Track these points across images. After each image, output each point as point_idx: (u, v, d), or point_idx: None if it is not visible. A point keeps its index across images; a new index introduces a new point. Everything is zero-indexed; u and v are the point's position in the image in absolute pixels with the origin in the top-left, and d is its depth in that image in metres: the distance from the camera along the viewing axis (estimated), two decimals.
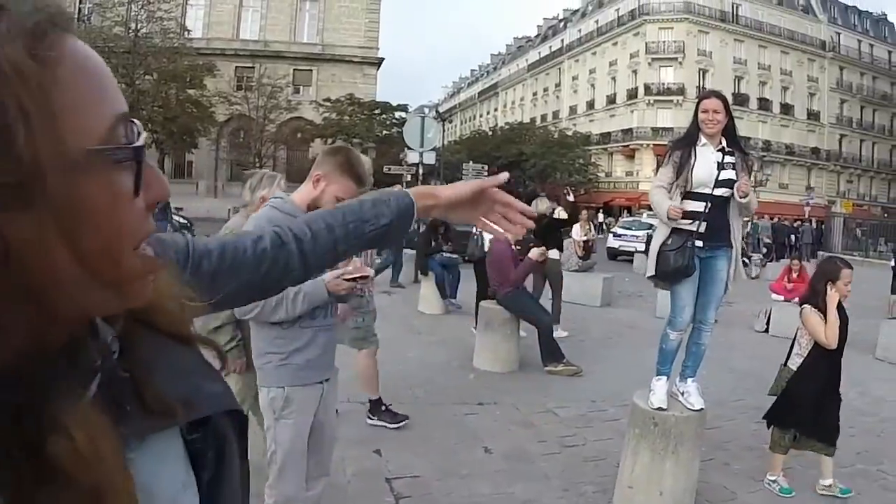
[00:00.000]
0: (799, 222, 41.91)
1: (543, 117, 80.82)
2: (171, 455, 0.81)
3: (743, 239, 5.43)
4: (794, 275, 13.88)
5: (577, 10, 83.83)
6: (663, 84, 66.16)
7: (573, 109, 77.32)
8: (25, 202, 0.59)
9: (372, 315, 6.41)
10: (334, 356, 3.58)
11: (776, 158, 64.98)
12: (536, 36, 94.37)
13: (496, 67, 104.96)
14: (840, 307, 5.34)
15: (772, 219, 38.83)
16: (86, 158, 0.64)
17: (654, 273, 5.18)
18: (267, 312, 3.18)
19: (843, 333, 5.33)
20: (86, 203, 0.64)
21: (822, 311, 5.29)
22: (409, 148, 18.95)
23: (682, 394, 5.19)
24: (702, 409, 5.12)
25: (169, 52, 40.29)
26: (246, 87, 47.37)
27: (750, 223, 22.48)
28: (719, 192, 4.99)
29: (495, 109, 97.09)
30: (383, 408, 6.53)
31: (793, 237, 37.07)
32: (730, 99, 5.36)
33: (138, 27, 39.88)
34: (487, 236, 10.02)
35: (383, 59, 52.56)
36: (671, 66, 66.17)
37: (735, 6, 67.85)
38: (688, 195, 5.03)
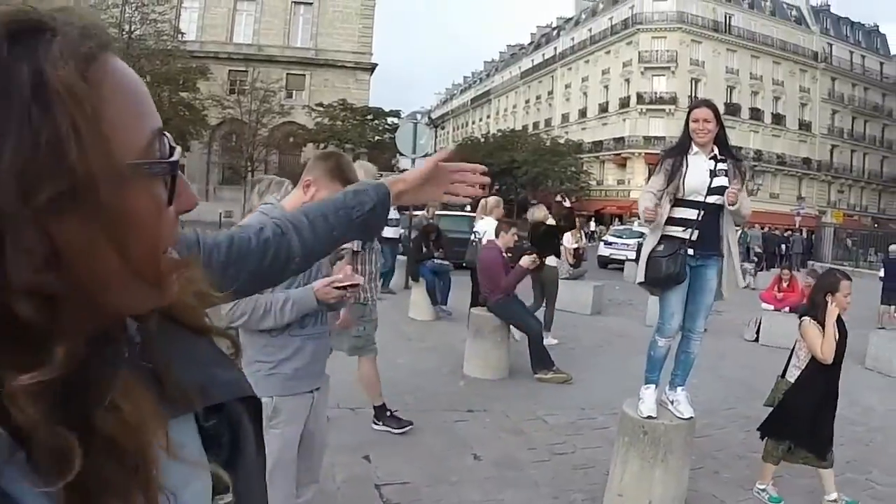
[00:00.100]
0: (789, 232, 42.01)
1: (536, 125, 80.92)
2: (186, 440, 0.83)
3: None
4: (785, 284, 13.95)
5: (570, 19, 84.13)
6: (656, 93, 66.33)
7: (565, 117, 77.48)
8: (76, 210, 0.64)
9: (373, 324, 6.44)
10: (325, 365, 3.54)
11: (767, 168, 65.19)
12: (529, 44, 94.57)
13: (489, 74, 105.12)
14: (839, 321, 5.33)
15: (762, 228, 38.90)
16: (129, 171, 0.70)
17: (643, 279, 5.19)
18: (255, 320, 3.15)
19: (842, 347, 5.31)
20: (129, 211, 0.70)
21: (822, 323, 5.26)
22: (402, 154, 18.91)
23: (672, 402, 5.20)
24: (691, 417, 5.13)
25: (162, 55, 40.25)
26: (239, 90, 47.26)
27: (741, 232, 22.56)
28: (712, 199, 5.00)
29: (488, 116, 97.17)
30: (388, 413, 6.53)
31: (783, 247, 37.16)
32: (722, 109, 5.39)
33: (132, 29, 39.81)
34: (486, 239, 9.99)
35: (376, 64, 52.56)
36: (664, 76, 66.37)
37: (728, 16, 68.17)
38: (680, 203, 5.04)
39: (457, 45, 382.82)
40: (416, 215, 16.78)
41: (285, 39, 50.88)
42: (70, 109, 0.64)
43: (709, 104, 5.21)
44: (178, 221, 0.81)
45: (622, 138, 67.38)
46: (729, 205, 4.96)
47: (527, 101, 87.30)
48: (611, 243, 29.56)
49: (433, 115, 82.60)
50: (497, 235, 9.27)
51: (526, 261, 8.79)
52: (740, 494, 5.64)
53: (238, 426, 0.95)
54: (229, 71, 48.58)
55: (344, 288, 3.27)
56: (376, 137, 48.35)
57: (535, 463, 6.02)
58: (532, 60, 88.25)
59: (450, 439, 6.47)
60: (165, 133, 0.77)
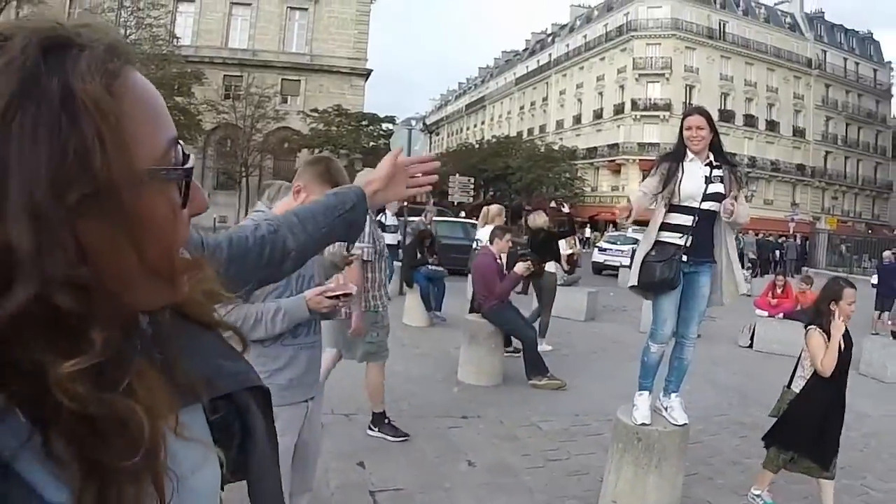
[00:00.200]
0: (783, 238, 42.17)
1: (530, 131, 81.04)
2: (194, 430, 0.86)
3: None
4: (779, 290, 13.98)
5: (565, 25, 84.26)
6: (650, 99, 66.45)
7: (560, 124, 77.54)
8: (100, 211, 0.70)
9: (385, 330, 6.47)
10: (319, 373, 3.52)
11: (761, 174, 65.43)
12: (524, 50, 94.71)
13: (484, 80, 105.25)
14: (845, 331, 5.33)
15: (756, 234, 39.02)
16: (148, 176, 0.76)
17: (635, 283, 5.19)
18: (245, 330, 3.10)
19: (847, 357, 5.29)
20: (147, 213, 0.76)
21: (828, 332, 5.23)
22: None
23: (666, 409, 5.21)
24: (685, 424, 5.13)
25: (157, 60, 40.13)
26: (234, 95, 47.10)
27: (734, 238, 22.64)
28: (706, 205, 5.02)
29: (482, 122, 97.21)
30: (386, 421, 6.53)
31: (777, 253, 37.28)
32: (716, 115, 5.42)
33: (127, 33, 39.66)
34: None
35: (371, 70, 52.52)
36: (658, 82, 66.51)
37: (722, 23, 68.37)
38: (675, 208, 5.05)
39: (452, 51, 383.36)
40: (413, 221, 16.78)
41: (280, 45, 50.82)
42: (95, 120, 0.70)
43: (701, 111, 5.24)
44: (190, 224, 0.89)
45: (616, 145, 67.47)
46: (725, 217, 4.98)
47: (521, 108, 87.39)
48: (605, 249, 29.60)
49: (428, 121, 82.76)
50: (492, 242, 9.28)
51: (520, 267, 8.80)
52: (734, 500, 5.64)
53: (247, 415, 1.01)
54: (224, 76, 48.49)
55: (336, 297, 3.23)
56: (371, 143, 48.24)
57: (529, 469, 6.01)
58: (527, 67, 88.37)
59: (444, 445, 6.46)
60: (180, 141, 0.83)
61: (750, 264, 30.45)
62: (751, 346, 12.99)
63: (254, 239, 1.65)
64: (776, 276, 14.46)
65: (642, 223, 5.55)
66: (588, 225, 57.81)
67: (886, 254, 21.84)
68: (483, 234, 10.80)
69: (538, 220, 11.34)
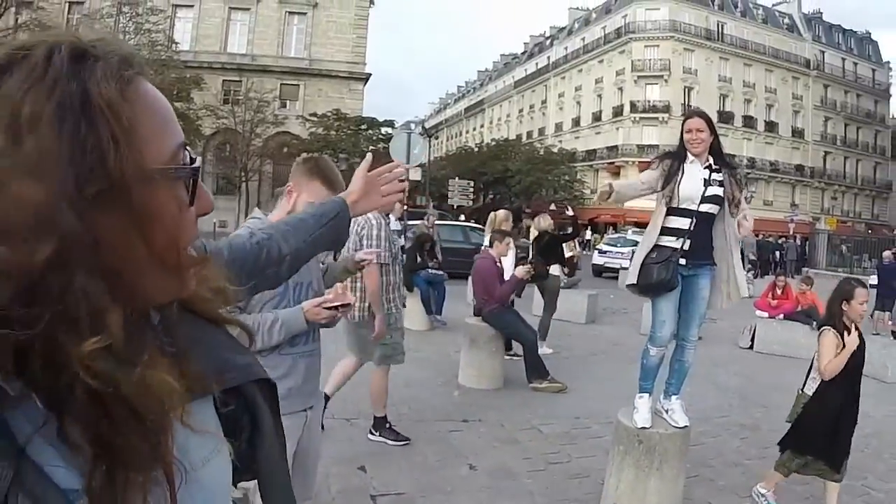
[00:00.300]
0: (783, 239, 42.18)
1: (529, 134, 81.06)
2: (203, 421, 0.92)
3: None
4: (779, 291, 13.97)
5: (563, 28, 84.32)
6: (649, 101, 66.48)
7: (559, 126, 77.54)
8: (114, 206, 0.76)
9: (400, 332, 6.55)
10: (318, 382, 3.49)
11: (761, 175, 65.45)
12: (523, 53, 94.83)
13: (483, 84, 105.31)
14: (857, 331, 5.29)
15: (756, 235, 38.96)
16: (158, 174, 0.82)
17: (634, 282, 5.19)
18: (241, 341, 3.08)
19: (860, 358, 5.28)
20: (157, 208, 0.82)
21: (841, 333, 5.22)
22: None
23: (667, 411, 5.21)
24: (686, 426, 5.13)
25: (156, 65, 40.09)
26: (233, 100, 47.14)
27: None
28: (705, 207, 5.03)
29: (481, 126, 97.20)
30: (388, 425, 6.54)
31: (777, 254, 37.27)
32: (715, 117, 5.45)
33: (126, 39, 39.77)
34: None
35: (370, 74, 52.56)
36: (657, 84, 66.56)
37: (720, 25, 68.44)
38: (672, 211, 5.06)
39: (450, 54, 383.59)
40: (415, 224, 16.80)
41: (279, 49, 50.87)
42: (110, 122, 0.76)
43: (701, 114, 5.26)
44: (197, 222, 0.93)
45: (615, 147, 67.46)
46: (743, 234, 5.04)
47: (520, 111, 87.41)
48: (605, 252, 29.54)
49: (427, 125, 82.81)
50: (491, 245, 9.28)
51: (521, 271, 8.80)
52: (736, 502, 5.64)
53: (255, 407, 1.07)
54: (223, 81, 48.52)
55: (335, 308, 3.18)
56: (370, 147, 48.27)
57: (530, 472, 6.01)
58: (525, 70, 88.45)
59: (445, 449, 6.46)
60: (188, 146, 0.90)
61: (750, 265, 30.42)
62: (751, 347, 12.99)
63: (251, 244, 1.84)
64: (777, 277, 14.44)
65: (642, 225, 5.57)
66: (588, 227, 57.83)
67: (886, 254, 21.81)
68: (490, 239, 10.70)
69: (543, 223, 11.37)
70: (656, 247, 5.09)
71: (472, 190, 39.89)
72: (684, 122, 5.25)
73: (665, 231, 5.08)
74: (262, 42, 50.34)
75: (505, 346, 9.25)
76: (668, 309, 5.12)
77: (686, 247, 5.02)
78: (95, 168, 0.75)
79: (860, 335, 5.28)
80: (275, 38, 50.77)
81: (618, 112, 68.46)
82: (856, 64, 76.42)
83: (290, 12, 51.27)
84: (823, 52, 73.60)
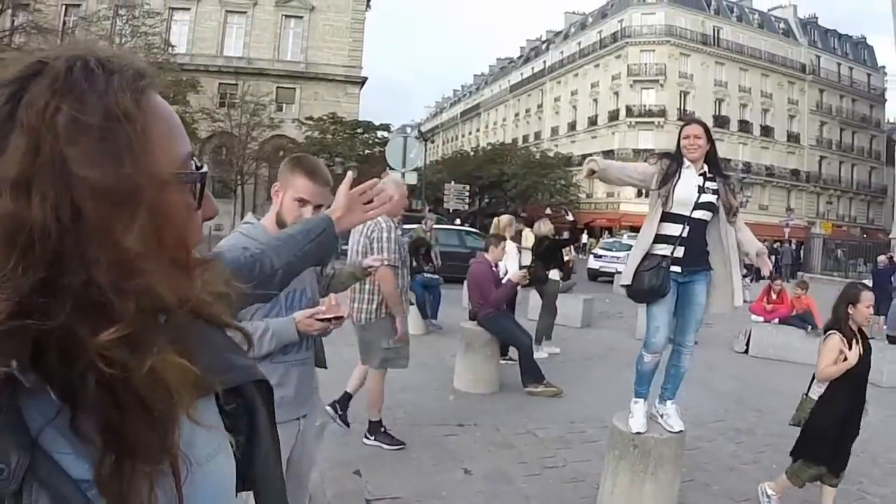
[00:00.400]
0: (779, 243, 42.23)
1: (525, 138, 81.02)
2: (209, 418, 0.97)
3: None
4: (774, 296, 13.97)
5: (559, 32, 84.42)
6: (644, 106, 66.60)
7: (555, 130, 77.54)
8: (131, 205, 0.82)
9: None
10: (312, 389, 3.44)
11: (756, 180, 65.45)
12: (519, 57, 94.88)
13: (479, 88, 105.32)
14: (864, 337, 5.31)
15: None
16: (170, 178, 0.89)
17: (629, 283, 5.20)
18: None
19: (867, 364, 5.29)
20: (169, 209, 0.87)
21: (847, 337, 5.22)
22: (391, 167, 18.95)
23: (662, 416, 5.21)
24: (681, 430, 5.14)
25: (153, 68, 40.13)
26: (229, 104, 47.11)
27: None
28: (698, 214, 5.05)
29: (477, 130, 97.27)
30: (382, 429, 6.53)
31: (773, 258, 37.29)
32: (710, 121, 5.50)
33: (122, 42, 39.63)
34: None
35: (366, 78, 52.54)
36: (653, 89, 66.67)
37: (716, 29, 68.60)
38: (665, 217, 5.07)
39: (447, 58, 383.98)
40: (413, 228, 16.81)
41: (275, 53, 50.86)
42: (126, 129, 0.82)
43: (700, 122, 5.35)
44: (203, 226, 1.01)
45: (611, 151, 67.23)
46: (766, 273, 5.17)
47: (516, 115, 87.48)
48: (600, 256, 29.60)
49: (423, 129, 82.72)
50: (487, 249, 9.29)
51: (517, 276, 8.82)
52: None
53: (254, 409, 1.11)
54: (219, 84, 48.47)
55: (328, 320, 3.13)
56: (366, 151, 48.23)
57: (525, 477, 6.01)
58: (521, 74, 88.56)
59: (440, 453, 6.45)
60: (194, 156, 0.97)
61: (745, 269, 30.45)
62: (746, 351, 13.01)
63: (244, 257, 1.98)
64: (773, 282, 14.44)
65: (638, 230, 5.58)
66: (584, 231, 57.89)
67: (881, 258, 21.88)
68: None
69: (543, 228, 11.39)
70: (648, 255, 5.11)
71: (467, 194, 39.91)
72: (682, 128, 5.29)
73: (657, 238, 5.10)
74: (259, 45, 50.32)
75: (500, 350, 9.24)
76: (662, 315, 5.13)
77: (680, 254, 5.04)
78: (113, 170, 0.80)
79: (865, 344, 5.28)
80: (271, 41, 50.76)
81: (614, 116, 68.54)
82: (851, 69, 76.63)
83: (287, 16, 51.28)
84: (819, 57, 73.79)
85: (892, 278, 19.64)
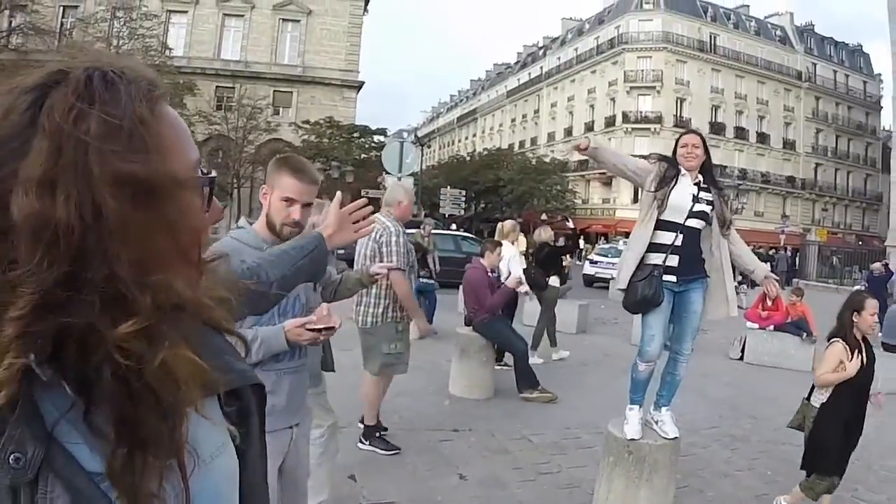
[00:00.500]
0: (774, 250, 42.28)
1: (522, 143, 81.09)
2: (213, 419, 1.01)
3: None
4: (769, 302, 13.98)
5: (556, 38, 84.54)
6: (641, 112, 66.63)
7: (551, 136, 77.49)
8: (149, 205, 0.86)
9: (405, 343, 6.54)
10: (305, 398, 3.39)
11: (752, 187, 65.57)
12: (516, 63, 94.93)
13: (476, 93, 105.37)
14: (867, 345, 5.32)
15: (747, 246, 39.05)
16: (184, 181, 0.93)
17: (624, 287, 5.20)
18: None
19: (870, 372, 5.29)
20: (184, 210, 0.92)
21: (850, 345, 5.22)
22: (388, 172, 18.97)
23: (657, 422, 5.22)
24: (676, 437, 5.14)
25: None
26: (226, 107, 47.02)
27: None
28: (691, 222, 5.07)
29: (474, 135, 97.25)
30: (377, 434, 6.53)
31: (768, 265, 37.30)
32: (707, 128, 5.56)
33: (120, 44, 39.57)
34: (503, 264, 9.98)
35: (363, 82, 52.45)
36: (649, 95, 66.75)
37: (713, 36, 68.73)
38: (658, 225, 5.09)
39: (444, 63, 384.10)
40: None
41: (272, 56, 50.77)
42: (143, 134, 0.87)
43: (698, 133, 5.43)
44: (210, 230, 1.06)
45: None
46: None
47: (513, 120, 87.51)
48: (596, 262, 29.53)
49: (419, 133, 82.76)
50: (482, 255, 9.29)
51: (512, 282, 8.82)
52: None
53: (249, 413, 1.13)
54: (216, 87, 48.35)
55: (318, 331, 3.03)
56: (363, 155, 48.19)
57: (520, 482, 6.01)
58: (518, 79, 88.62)
59: (435, 459, 6.46)
60: (200, 163, 1.02)
61: (741, 276, 30.48)
62: (741, 358, 13.02)
63: (242, 270, 2.10)
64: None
65: None
66: (580, 237, 57.91)
67: (876, 265, 21.92)
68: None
69: (543, 234, 11.40)
70: (641, 264, 5.12)
71: (463, 199, 39.92)
72: (680, 137, 5.35)
73: (649, 247, 5.11)
74: (256, 49, 50.24)
75: (496, 355, 9.25)
76: (656, 324, 5.14)
77: (674, 262, 5.06)
78: (133, 172, 0.84)
79: (869, 353, 5.28)
80: (268, 44, 50.68)
81: (610, 122, 68.57)
82: (847, 76, 76.85)
83: (284, 19, 51.19)
84: (815, 64, 73.97)
85: (888, 285, 19.69)
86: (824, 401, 5.28)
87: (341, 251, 6.40)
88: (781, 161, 70.94)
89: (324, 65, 50.76)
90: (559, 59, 79.54)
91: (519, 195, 58.80)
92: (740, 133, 68.71)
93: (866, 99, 77.86)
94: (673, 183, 5.09)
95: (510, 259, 10.29)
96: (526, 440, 7.19)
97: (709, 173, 5.29)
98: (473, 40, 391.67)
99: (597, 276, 28.18)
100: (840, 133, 74.98)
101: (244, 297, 1.74)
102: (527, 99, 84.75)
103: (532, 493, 5.78)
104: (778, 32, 73.73)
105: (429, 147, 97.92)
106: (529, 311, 12.50)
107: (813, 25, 77.04)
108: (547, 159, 66.12)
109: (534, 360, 9.77)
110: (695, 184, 5.15)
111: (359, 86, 52.39)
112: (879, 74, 78.02)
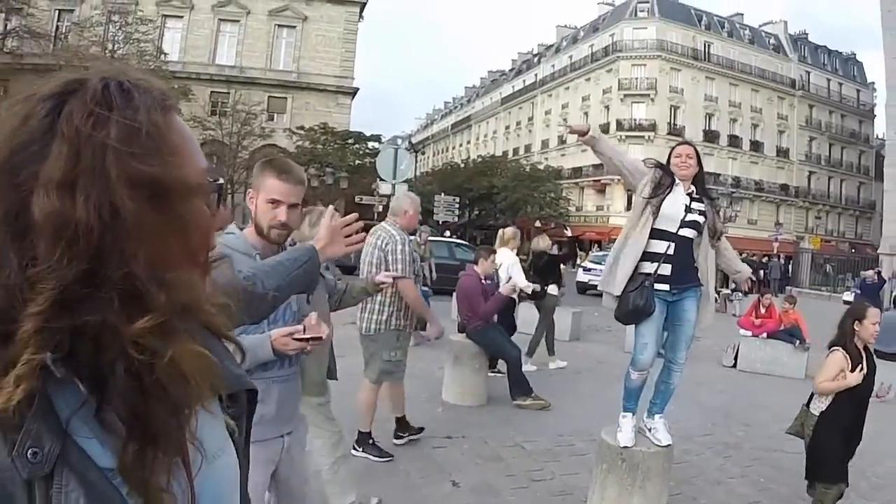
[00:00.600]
0: (767, 258, 42.37)
1: (516, 151, 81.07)
2: (217, 419, 1.06)
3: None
4: (763, 310, 14.00)
5: (551, 46, 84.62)
6: (635, 120, 66.73)
7: (545, 143, 77.50)
8: (163, 208, 0.90)
9: (404, 350, 6.56)
10: (297, 406, 3.34)
11: (745, 194, 65.65)
12: (511, 70, 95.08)
13: (470, 100, 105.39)
14: (868, 354, 5.33)
15: (740, 254, 39.09)
16: (195, 185, 0.97)
17: (618, 294, 5.20)
18: None
19: (871, 380, 5.29)
20: (192, 214, 0.96)
21: (851, 354, 5.22)
22: (382, 179, 18.96)
23: (650, 430, 5.23)
24: (669, 444, 5.15)
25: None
26: (220, 112, 46.91)
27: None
28: (684, 232, 5.09)
29: (468, 142, 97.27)
30: (371, 441, 6.52)
31: (761, 272, 37.43)
32: (700, 136, 5.60)
33: (115, 48, 39.58)
34: (503, 270, 9.99)
35: (358, 88, 52.45)
36: (643, 103, 66.84)
37: (707, 44, 68.90)
38: (651, 234, 5.10)
39: (438, 70, 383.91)
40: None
41: (267, 62, 50.72)
42: (157, 141, 0.91)
43: (692, 145, 5.49)
44: (215, 235, 1.09)
45: (602, 165, 67.24)
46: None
47: (507, 127, 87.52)
48: (589, 269, 29.55)
49: (414, 140, 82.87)
50: (476, 262, 9.29)
51: (506, 289, 8.83)
52: None
53: (241, 417, 1.17)
54: (211, 92, 48.25)
55: (305, 340, 2.95)
56: (357, 161, 48.16)
57: (513, 490, 6.01)
58: (513, 86, 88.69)
59: (428, 466, 6.45)
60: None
61: (734, 284, 30.53)
62: (734, 365, 13.05)
63: (238, 279, 2.18)
64: (762, 296, 14.47)
65: None
66: (577, 244, 57.92)
67: (868, 273, 21.98)
68: (498, 257, 10.11)
69: (542, 243, 11.41)
70: (633, 274, 5.13)
71: (457, 206, 39.88)
72: (674, 148, 5.40)
73: (644, 257, 5.13)
74: (251, 54, 50.19)
75: (489, 363, 9.25)
76: (649, 333, 5.15)
77: (667, 271, 5.07)
78: (148, 176, 0.88)
79: (870, 363, 5.28)
80: (263, 50, 50.65)
81: (604, 130, 68.22)
82: (841, 84, 77.11)
83: (280, 25, 51.19)
84: (809, 73, 74.23)
85: (880, 293, 19.76)
86: (824, 409, 5.29)
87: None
88: (775, 169, 71.10)
89: (319, 71, 50.75)
90: (553, 66, 79.65)
91: (513, 202, 58.76)
92: (734, 141, 68.88)
93: (860, 107, 78.11)
94: (668, 191, 5.12)
95: (510, 266, 10.30)
96: (519, 447, 7.19)
97: (701, 184, 5.33)
98: (468, 47, 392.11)
99: (590, 283, 28.14)
100: (833, 141, 75.21)
101: (242, 304, 1.83)
102: (521, 106, 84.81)
103: (525, 501, 5.78)
104: (772, 41, 73.96)
105: (423, 154, 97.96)
106: (524, 318, 12.49)
107: (807, 34, 77.35)
108: (541, 166, 66.16)
109: (527, 367, 9.77)
110: (687, 194, 5.18)
111: (353, 92, 52.38)
112: (873, 83, 78.33)
